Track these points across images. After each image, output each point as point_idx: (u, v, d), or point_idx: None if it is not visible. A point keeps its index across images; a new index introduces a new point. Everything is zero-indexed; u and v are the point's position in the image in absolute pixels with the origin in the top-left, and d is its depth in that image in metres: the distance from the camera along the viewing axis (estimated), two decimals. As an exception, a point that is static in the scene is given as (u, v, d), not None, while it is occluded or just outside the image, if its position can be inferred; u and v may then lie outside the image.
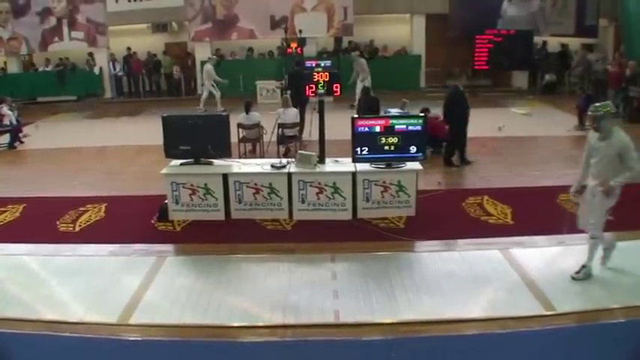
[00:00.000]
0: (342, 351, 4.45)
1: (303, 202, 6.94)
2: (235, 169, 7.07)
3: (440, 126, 9.93)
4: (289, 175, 6.92)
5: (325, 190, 6.90)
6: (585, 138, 5.40)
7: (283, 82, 12.82)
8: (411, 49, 18.26)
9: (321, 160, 7.14)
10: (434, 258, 5.90)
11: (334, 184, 6.87)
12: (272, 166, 7.06)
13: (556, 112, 13.83)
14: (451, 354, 4.35)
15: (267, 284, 5.42)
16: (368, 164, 6.97)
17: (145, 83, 19.19)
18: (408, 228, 6.69)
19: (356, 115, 7.53)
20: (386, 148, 6.87)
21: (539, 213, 6.91)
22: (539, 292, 5.11)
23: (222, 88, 14.62)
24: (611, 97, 13.27)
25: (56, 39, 18.07)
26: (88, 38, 18.10)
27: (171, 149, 7.14)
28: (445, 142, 9.91)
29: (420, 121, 7.00)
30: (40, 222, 7.13)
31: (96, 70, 18.16)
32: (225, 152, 7.19)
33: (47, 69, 18.31)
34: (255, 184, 6.94)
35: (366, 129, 6.88)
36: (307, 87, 7.72)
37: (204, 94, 14.55)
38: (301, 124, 10.24)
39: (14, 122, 11.86)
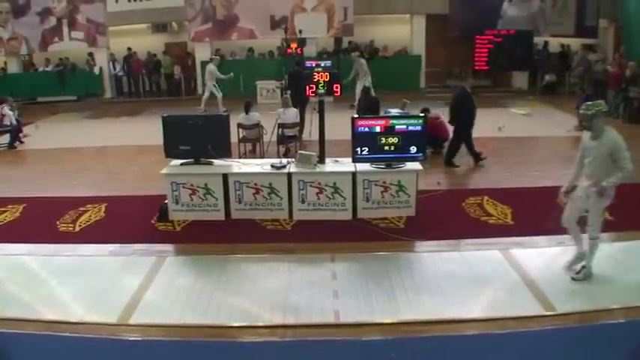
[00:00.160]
0: (342, 351, 4.45)
1: (303, 202, 6.94)
2: (235, 169, 7.07)
3: (440, 126, 9.95)
4: (289, 175, 6.92)
5: (325, 190, 6.90)
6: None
7: (283, 82, 12.82)
8: (411, 49, 18.26)
9: (321, 160, 7.14)
10: (434, 258, 5.90)
11: (334, 184, 6.87)
12: (272, 166, 7.06)
13: (556, 113, 13.83)
14: (451, 354, 4.35)
15: (267, 284, 5.42)
16: (368, 164, 6.97)
17: (145, 83, 19.19)
18: (408, 228, 6.69)
19: (356, 115, 7.53)
20: (386, 148, 6.87)
21: (539, 213, 6.90)
22: (539, 292, 5.11)
23: (224, 88, 14.59)
24: (611, 97, 13.31)
25: (56, 39, 18.06)
26: (88, 38, 18.09)
27: (171, 149, 7.15)
28: (445, 142, 9.94)
29: (420, 121, 6.99)
30: (40, 222, 7.13)
31: (96, 70, 18.17)
32: (225, 152, 7.19)
33: (47, 69, 18.31)
34: (255, 184, 6.94)
35: (366, 129, 6.88)
36: (307, 87, 7.72)
37: (206, 94, 14.53)
38: (301, 124, 10.24)
39: (14, 122, 11.86)
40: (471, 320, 4.73)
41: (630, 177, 4.99)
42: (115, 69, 18.69)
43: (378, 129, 6.86)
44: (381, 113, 9.73)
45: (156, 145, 7.68)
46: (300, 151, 7.50)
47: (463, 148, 9.26)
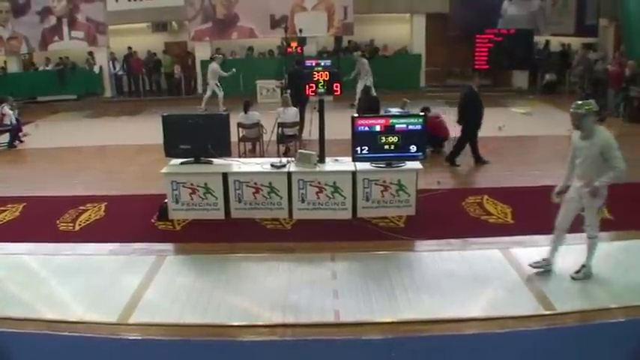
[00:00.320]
0: (342, 350, 4.45)
1: (303, 201, 6.94)
2: (235, 169, 7.07)
3: (440, 125, 9.95)
4: (289, 174, 6.92)
5: (325, 190, 6.90)
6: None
7: (283, 81, 12.81)
8: (411, 48, 18.25)
9: (321, 159, 7.14)
10: (434, 257, 5.90)
11: (334, 183, 6.87)
12: (272, 165, 7.06)
13: (556, 112, 13.81)
14: (451, 353, 4.35)
15: (267, 283, 5.42)
16: (368, 163, 6.97)
17: (145, 83, 19.19)
18: (407, 227, 6.69)
19: (356, 115, 7.53)
20: (386, 147, 6.87)
21: (539, 212, 6.90)
22: (539, 291, 5.11)
23: (224, 88, 14.57)
24: (611, 96, 13.32)
25: (56, 38, 18.05)
26: (88, 37, 18.08)
27: (171, 148, 7.15)
28: (445, 141, 9.94)
29: (420, 120, 6.99)
30: (40, 221, 7.14)
31: (96, 70, 18.17)
32: (225, 151, 7.19)
33: (47, 68, 18.31)
34: (255, 184, 6.94)
35: (366, 128, 6.88)
36: (307, 86, 7.72)
37: (208, 93, 14.49)
38: (301, 123, 10.24)
39: (14, 122, 11.86)
40: (470, 319, 4.73)
41: (623, 176, 4.94)
42: (115, 68, 18.68)
43: (378, 128, 6.86)
44: (381, 112, 9.72)
45: (156, 145, 7.68)
46: (300, 151, 7.50)
47: (466, 148, 9.26)
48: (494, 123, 11.65)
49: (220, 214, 7.01)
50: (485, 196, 7.56)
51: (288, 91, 11.19)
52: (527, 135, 11.51)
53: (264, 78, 16.13)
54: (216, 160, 7.16)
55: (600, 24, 17.47)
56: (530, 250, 5.91)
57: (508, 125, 11.79)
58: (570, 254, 5.51)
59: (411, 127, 6.89)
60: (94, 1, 17.73)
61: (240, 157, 8.84)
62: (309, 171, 6.94)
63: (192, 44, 18.59)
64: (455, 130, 10.00)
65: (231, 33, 17.90)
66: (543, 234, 6.17)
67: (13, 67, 18.24)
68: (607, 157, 4.89)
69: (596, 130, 4.99)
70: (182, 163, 7.17)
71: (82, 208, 7.51)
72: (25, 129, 12.69)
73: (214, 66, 14.41)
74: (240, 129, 9.73)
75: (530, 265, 5.43)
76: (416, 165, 7.01)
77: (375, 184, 6.90)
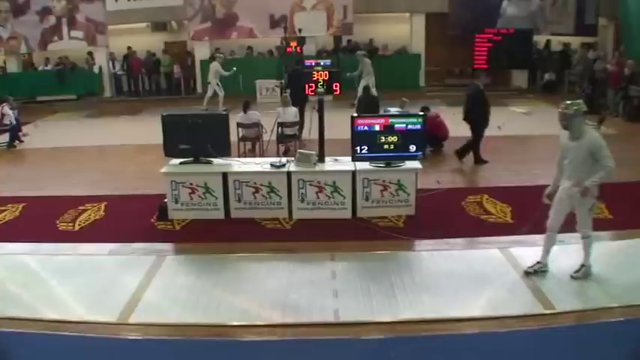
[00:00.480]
0: (341, 350, 4.45)
1: (302, 201, 6.94)
2: (235, 168, 7.07)
3: (439, 125, 9.96)
4: (289, 174, 6.92)
5: (325, 189, 6.90)
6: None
7: (283, 81, 12.81)
8: (411, 48, 18.25)
9: (321, 158, 7.14)
10: (433, 257, 5.91)
11: (334, 183, 6.88)
12: (271, 165, 7.06)
13: (555, 111, 13.63)
14: (451, 353, 4.35)
15: (266, 283, 5.42)
16: (367, 163, 6.97)
17: (144, 82, 19.18)
18: (407, 227, 6.69)
19: (355, 114, 7.53)
20: (385, 146, 6.88)
21: (538, 212, 6.90)
22: (539, 291, 5.11)
23: (224, 87, 14.56)
24: (610, 96, 13.32)
25: (56, 38, 18.04)
26: (87, 37, 18.07)
27: (170, 148, 7.14)
28: (445, 140, 9.95)
29: (420, 120, 7.00)
30: (39, 221, 7.13)
31: (95, 70, 18.16)
32: (225, 151, 7.18)
33: (47, 68, 18.31)
34: (255, 183, 6.94)
35: (366, 128, 6.88)
36: (307, 86, 7.72)
37: (209, 93, 14.47)
38: (301, 123, 10.24)
39: (14, 122, 11.85)
40: (470, 319, 4.73)
41: (613, 174, 4.95)
42: (114, 68, 18.69)
43: (377, 128, 6.87)
44: (381, 112, 9.72)
45: (155, 144, 7.68)
46: (299, 150, 7.50)
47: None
48: (494, 122, 11.65)
49: (220, 214, 7.01)
50: (485, 196, 7.56)
51: (288, 90, 11.18)
52: (527, 134, 11.51)
53: (264, 78, 16.14)
54: (215, 160, 7.15)
55: (600, 23, 17.48)
56: (530, 249, 5.91)
57: (507, 124, 11.78)
58: (569, 253, 5.52)
59: (410, 126, 6.89)
60: (93, 1, 17.73)
61: (239, 156, 8.83)
62: (309, 171, 6.94)
63: (191, 44, 18.60)
64: (454, 130, 10.03)
65: (231, 33, 17.90)
66: (543, 233, 6.18)
67: (13, 67, 18.23)
68: (597, 157, 4.90)
69: (585, 131, 4.99)
70: (182, 163, 7.17)
71: (81, 208, 7.51)
72: (25, 129, 12.69)
73: (216, 65, 14.39)
74: (240, 129, 9.73)
75: (526, 271, 5.41)
76: (415, 164, 7.01)
77: (375, 183, 6.90)
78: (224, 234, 6.63)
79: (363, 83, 13.78)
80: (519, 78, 17.88)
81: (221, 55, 15.28)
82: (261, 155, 9.44)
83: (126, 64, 18.72)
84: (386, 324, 4.71)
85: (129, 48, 18.57)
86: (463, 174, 8.93)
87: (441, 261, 5.80)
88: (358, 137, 6.88)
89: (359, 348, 4.46)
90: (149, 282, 5.47)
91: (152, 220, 7.04)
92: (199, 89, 17.80)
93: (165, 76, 18.81)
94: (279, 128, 9.77)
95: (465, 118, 9.17)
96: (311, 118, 8.86)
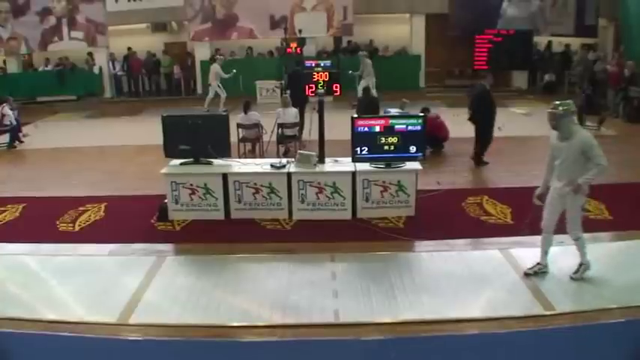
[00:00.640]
0: (341, 351, 4.45)
1: (302, 201, 6.94)
2: (235, 169, 7.07)
3: (440, 126, 9.96)
4: (289, 174, 6.92)
5: (325, 190, 6.90)
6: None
7: (283, 82, 12.82)
8: (411, 48, 18.26)
9: (321, 159, 7.14)
10: (433, 258, 5.91)
11: (334, 183, 6.88)
12: (272, 165, 7.06)
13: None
14: (451, 354, 4.35)
15: (266, 284, 5.42)
16: (367, 164, 6.97)
17: (144, 83, 19.20)
18: (407, 228, 6.69)
19: (355, 115, 7.53)
20: (386, 147, 6.87)
21: (538, 213, 6.90)
22: (539, 291, 5.11)
23: (224, 88, 14.56)
24: (610, 97, 13.32)
25: (56, 39, 18.06)
26: (87, 38, 18.09)
27: (170, 149, 7.14)
28: (445, 141, 9.95)
29: (420, 120, 6.99)
30: (39, 221, 7.14)
31: (95, 70, 18.18)
32: (225, 152, 7.18)
33: (47, 69, 18.32)
34: (255, 184, 6.94)
35: (366, 129, 6.88)
36: (307, 87, 7.72)
37: (210, 95, 14.47)
38: (301, 123, 10.24)
39: (14, 122, 11.86)
40: (470, 320, 4.73)
41: (606, 173, 4.98)
42: (114, 68, 18.70)
43: (377, 129, 6.87)
44: (381, 113, 9.72)
45: (155, 145, 7.68)
46: (299, 151, 7.50)
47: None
48: (495, 123, 11.66)
49: (220, 215, 7.01)
50: (485, 197, 7.56)
51: (288, 91, 11.19)
52: (527, 135, 11.50)
53: (264, 78, 16.14)
54: (215, 161, 7.16)
55: (600, 24, 17.49)
56: (530, 250, 5.91)
57: (507, 125, 11.77)
58: (568, 254, 5.50)
59: (410, 127, 6.89)
60: (93, 1, 17.74)
61: (239, 157, 8.84)
62: (309, 171, 6.94)
63: (191, 44, 18.61)
64: (454, 131, 10.03)
65: (231, 33, 17.90)
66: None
67: (13, 67, 18.24)
68: (589, 155, 4.90)
69: (575, 131, 5.00)
70: (182, 164, 7.17)
71: (81, 208, 7.51)
72: (25, 129, 12.69)
73: (216, 67, 14.40)
74: (240, 129, 9.73)
75: (526, 273, 5.41)
76: (415, 165, 7.01)
77: (375, 184, 6.90)
78: (224, 235, 6.63)
79: (363, 84, 13.80)
80: (519, 79, 17.89)
81: (221, 57, 15.29)
82: (262, 156, 9.44)
83: (126, 64, 18.74)
84: (386, 325, 4.71)
85: (129, 49, 18.59)
86: (463, 175, 8.93)
87: (441, 262, 5.80)
88: (358, 138, 6.88)
89: (359, 349, 4.46)
90: (149, 282, 5.47)
91: (152, 221, 7.04)
92: (199, 90, 17.81)
93: (166, 76, 18.82)
94: (280, 129, 9.77)
95: (471, 118, 9.16)
96: (311, 119, 8.87)
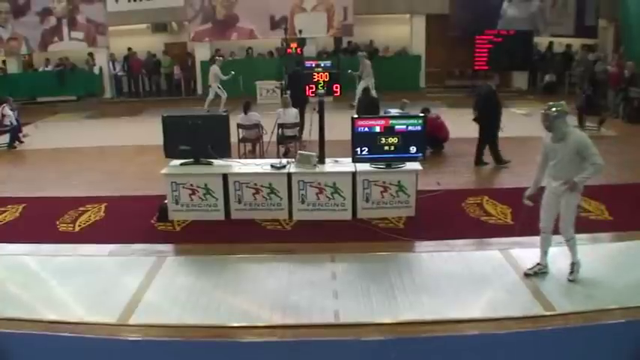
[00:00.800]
0: (341, 351, 4.45)
1: (302, 202, 6.94)
2: (235, 169, 7.07)
3: (440, 126, 9.96)
4: (289, 175, 6.92)
5: (325, 191, 6.90)
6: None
7: (283, 82, 12.82)
8: (411, 49, 18.26)
9: (321, 160, 7.14)
10: (434, 258, 5.91)
11: (334, 184, 6.88)
12: (272, 166, 7.06)
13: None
14: (451, 354, 4.35)
15: (267, 284, 5.42)
16: (368, 164, 6.97)
17: (144, 83, 19.21)
18: (407, 228, 6.69)
19: (356, 115, 7.53)
20: (386, 148, 6.87)
21: (538, 213, 6.89)
22: (539, 292, 5.11)
23: (225, 89, 14.56)
24: (611, 97, 13.32)
25: (56, 39, 18.07)
26: (87, 38, 18.10)
27: (171, 149, 7.14)
28: (445, 142, 9.95)
29: (420, 121, 6.99)
30: (39, 222, 7.14)
31: (96, 70, 18.19)
32: (225, 152, 7.18)
33: (47, 69, 18.32)
34: (255, 185, 6.94)
35: (366, 129, 6.88)
36: (307, 87, 7.72)
37: (210, 96, 14.46)
38: (301, 124, 10.24)
39: (14, 122, 11.86)
40: (470, 320, 4.73)
41: (605, 173, 4.99)
42: (114, 69, 18.72)
43: (377, 129, 6.87)
44: (381, 113, 9.72)
45: (156, 145, 7.68)
46: (299, 152, 7.50)
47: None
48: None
49: (220, 215, 7.01)
50: (485, 197, 7.56)
51: (288, 91, 11.20)
52: (527, 136, 11.47)
53: (264, 79, 16.14)
54: (216, 161, 7.16)
55: (600, 25, 17.50)
56: (530, 250, 5.91)
57: (508, 126, 11.76)
58: (568, 255, 5.49)
59: (410, 128, 6.89)
60: (93, 2, 17.75)
61: (239, 158, 8.84)
62: (309, 172, 6.94)
63: (192, 45, 18.61)
64: (454, 131, 10.03)
65: (231, 34, 17.91)
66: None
67: (13, 67, 18.25)
68: (585, 155, 4.92)
69: (569, 131, 5.01)
70: (182, 164, 7.17)
71: (81, 208, 7.51)
72: (25, 130, 12.69)
73: (215, 69, 14.39)
74: (240, 130, 9.73)
75: (526, 273, 5.41)
76: (416, 166, 7.01)
77: (375, 185, 6.90)
78: (224, 235, 6.63)
79: (362, 85, 13.79)
80: (519, 79, 17.89)
81: (220, 59, 15.30)
82: (262, 156, 9.44)
83: (126, 65, 18.75)
84: (386, 325, 4.71)
85: (129, 49, 18.60)
86: (463, 175, 8.93)
87: (441, 262, 5.80)
88: (358, 138, 6.88)
89: (359, 349, 4.46)
90: (149, 283, 5.47)
91: (152, 221, 7.04)
92: (200, 90, 17.82)
93: (166, 77, 18.84)
94: (280, 129, 9.77)
95: (476, 119, 9.15)
96: (311, 120, 8.87)
